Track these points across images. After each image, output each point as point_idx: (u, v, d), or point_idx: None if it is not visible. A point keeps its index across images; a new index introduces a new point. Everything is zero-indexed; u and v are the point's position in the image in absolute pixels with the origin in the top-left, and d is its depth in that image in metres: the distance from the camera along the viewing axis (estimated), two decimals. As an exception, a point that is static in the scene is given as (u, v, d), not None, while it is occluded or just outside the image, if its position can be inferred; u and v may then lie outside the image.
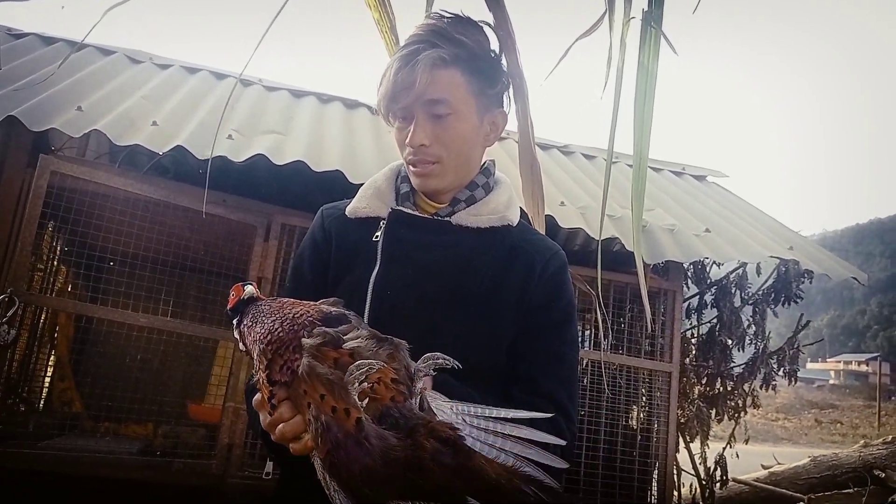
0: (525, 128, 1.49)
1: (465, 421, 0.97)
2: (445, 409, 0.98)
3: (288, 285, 1.42)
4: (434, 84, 1.24)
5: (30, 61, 3.67)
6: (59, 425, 3.23)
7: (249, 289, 1.16)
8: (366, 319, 1.23)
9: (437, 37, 1.27)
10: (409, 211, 1.36)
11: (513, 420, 0.98)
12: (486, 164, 1.43)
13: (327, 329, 0.99)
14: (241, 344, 1.13)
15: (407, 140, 1.29)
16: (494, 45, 1.37)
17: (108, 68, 3.95)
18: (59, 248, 3.81)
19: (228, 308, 1.17)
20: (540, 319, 1.30)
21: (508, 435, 0.95)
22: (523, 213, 1.47)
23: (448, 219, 1.34)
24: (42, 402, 4.05)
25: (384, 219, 1.35)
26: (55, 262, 3.84)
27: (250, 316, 1.11)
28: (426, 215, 1.36)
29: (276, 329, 1.02)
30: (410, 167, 1.33)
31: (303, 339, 0.98)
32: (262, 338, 1.03)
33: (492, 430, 0.96)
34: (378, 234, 1.34)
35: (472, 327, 1.22)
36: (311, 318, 1.03)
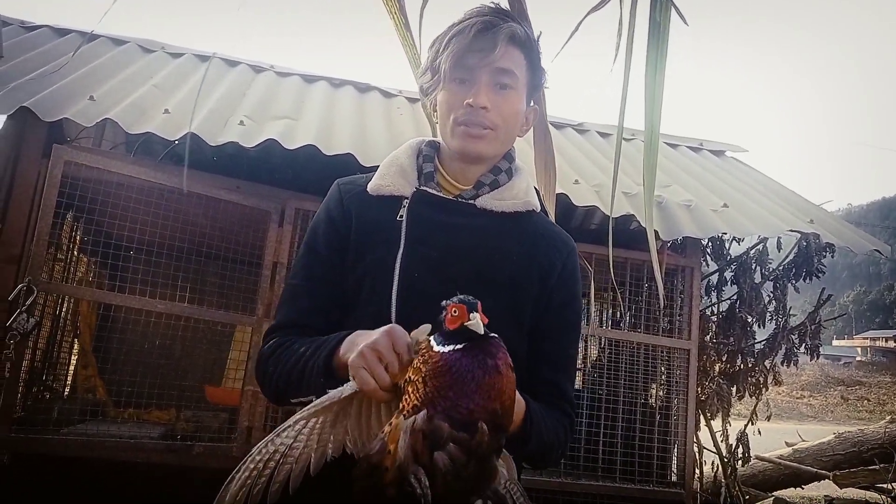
0: (538, 98, 1.48)
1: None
2: None
3: (300, 261, 1.39)
4: (508, 55, 1.28)
5: (42, 53, 3.69)
6: (83, 412, 3.29)
7: (476, 322, 0.99)
8: (392, 300, 1.24)
9: (509, 17, 1.31)
10: (434, 192, 1.34)
11: None
12: (509, 151, 1.43)
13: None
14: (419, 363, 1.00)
15: (471, 99, 1.28)
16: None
17: (121, 58, 3.97)
18: (78, 237, 3.86)
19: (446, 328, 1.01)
20: (561, 320, 1.36)
21: None
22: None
23: (472, 202, 1.34)
24: (67, 390, 4.12)
25: (407, 198, 1.33)
26: (75, 252, 3.89)
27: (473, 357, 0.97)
28: (450, 196, 1.35)
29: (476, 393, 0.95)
30: (461, 126, 1.30)
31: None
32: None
33: None
34: (401, 213, 1.31)
35: (497, 313, 1.15)
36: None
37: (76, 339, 4.13)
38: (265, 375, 1.27)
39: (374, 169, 1.42)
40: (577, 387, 3.84)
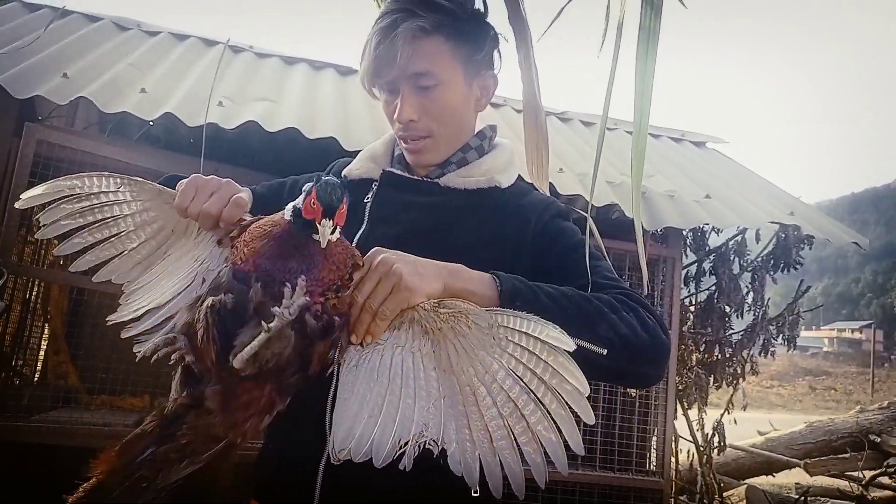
0: (529, 77, 1.43)
1: (505, 338, 0.92)
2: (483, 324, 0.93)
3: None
4: (416, 56, 1.19)
5: (13, 28, 3.56)
6: (55, 398, 3.21)
7: (323, 231, 0.94)
8: None
9: (416, 4, 1.21)
10: (399, 172, 1.34)
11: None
12: (482, 128, 1.39)
13: None
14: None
15: (395, 116, 1.25)
16: (479, 2, 1.31)
17: (95, 35, 3.85)
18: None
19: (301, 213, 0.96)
20: (555, 253, 1.24)
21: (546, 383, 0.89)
22: (523, 178, 1.43)
23: (437, 180, 1.31)
24: (37, 376, 4.02)
25: (377, 180, 1.35)
26: (46, 234, 3.77)
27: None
28: (417, 177, 1.33)
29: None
30: (402, 143, 1.30)
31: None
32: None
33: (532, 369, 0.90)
34: (369, 195, 1.33)
35: None
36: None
37: (47, 324, 4.02)
38: None
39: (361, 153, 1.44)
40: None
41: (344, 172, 1.40)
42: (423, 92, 1.23)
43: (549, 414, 0.88)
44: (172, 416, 0.98)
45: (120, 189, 1.16)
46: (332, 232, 0.93)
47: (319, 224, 0.92)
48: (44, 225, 1.16)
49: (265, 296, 0.92)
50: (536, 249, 1.25)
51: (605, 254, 1.42)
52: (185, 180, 1.13)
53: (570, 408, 0.88)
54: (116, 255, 1.18)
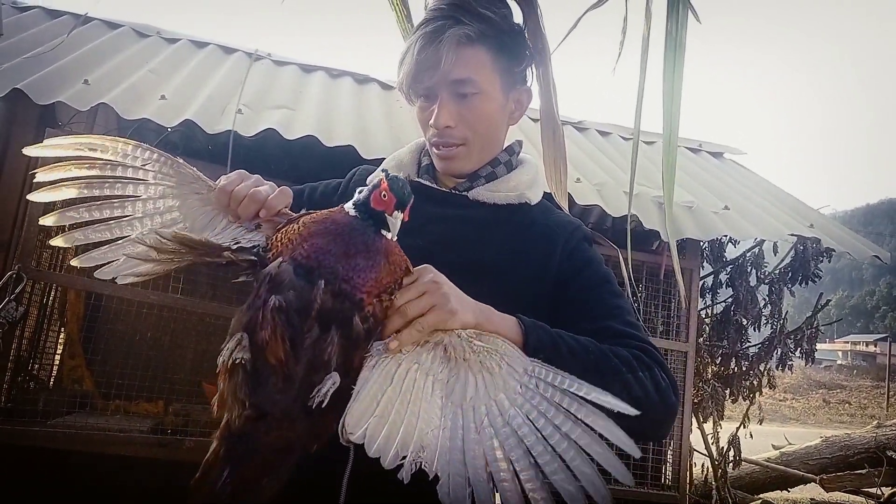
0: (547, 92, 1.43)
1: (535, 388, 0.91)
2: (517, 369, 0.93)
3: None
4: (459, 63, 1.20)
5: (35, 34, 3.60)
6: (70, 403, 3.21)
7: (393, 223, 0.96)
8: None
9: (462, 12, 1.21)
10: (428, 183, 1.33)
11: (593, 403, 0.89)
12: (511, 144, 1.39)
13: None
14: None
15: (431, 121, 1.25)
16: (518, 17, 1.31)
17: (115, 42, 3.88)
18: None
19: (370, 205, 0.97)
20: (578, 285, 1.24)
21: (580, 421, 0.89)
22: (548, 194, 1.42)
23: (465, 193, 1.31)
24: (52, 380, 4.03)
25: None
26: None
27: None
28: (445, 188, 1.33)
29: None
30: (434, 149, 1.30)
31: None
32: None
33: (563, 410, 0.89)
34: None
35: (484, 299, 1.17)
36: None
37: (63, 329, 4.04)
38: None
39: (378, 161, 1.45)
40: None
41: (368, 181, 1.36)
42: (462, 99, 1.23)
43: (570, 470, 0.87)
44: (239, 434, 0.94)
45: (146, 166, 1.10)
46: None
47: (391, 216, 0.92)
48: (38, 183, 1.07)
49: (326, 294, 0.91)
50: (562, 276, 1.25)
51: (628, 268, 1.42)
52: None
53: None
54: (106, 243, 1.09)
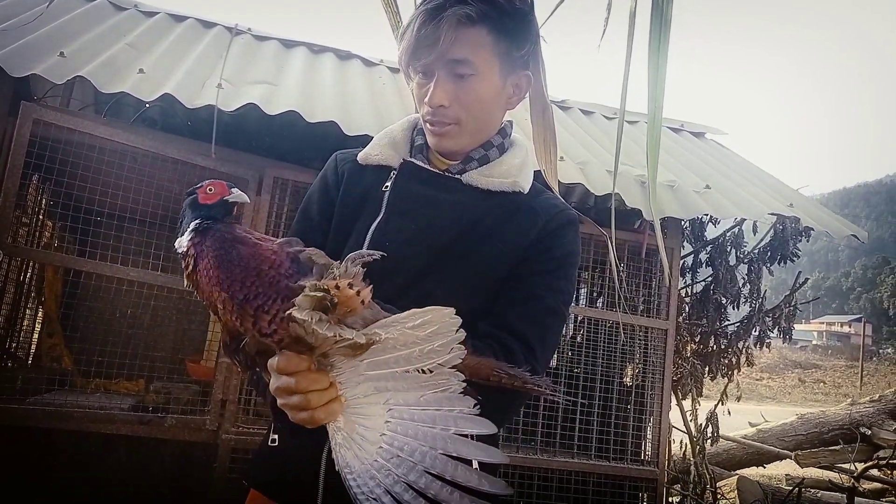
0: (537, 72, 1.42)
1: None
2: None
3: (295, 227, 1.38)
4: (458, 43, 1.18)
5: (8, 6, 3.51)
6: (49, 381, 3.18)
7: (238, 193, 0.98)
8: None
9: None
10: (421, 164, 1.32)
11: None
12: (503, 125, 1.37)
13: (316, 282, 0.90)
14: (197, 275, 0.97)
15: (426, 99, 1.24)
16: None
17: (92, 14, 3.80)
18: (44, 200, 3.71)
19: (200, 203, 0.99)
20: (528, 266, 1.26)
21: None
22: (536, 173, 1.42)
23: (458, 176, 1.30)
24: (31, 359, 3.99)
25: (395, 169, 1.32)
26: (41, 216, 3.74)
27: (214, 249, 0.95)
28: (437, 170, 1.32)
29: (255, 278, 0.93)
30: (427, 125, 1.29)
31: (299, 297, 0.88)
32: (238, 288, 0.93)
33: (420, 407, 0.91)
34: (388, 184, 1.31)
35: (463, 276, 1.21)
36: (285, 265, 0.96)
37: (41, 306, 3.99)
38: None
39: (361, 138, 1.42)
40: (552, 365, 3.84)
41: (360, 157, 1.36)
42: (458, 80, 1.22)
43: None
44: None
45: None
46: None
47: (230, 193, 1.00)
48: None
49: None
50: (529, 252, 1.27)
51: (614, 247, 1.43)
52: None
53: None
54: None
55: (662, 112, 1.29)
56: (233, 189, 0.98)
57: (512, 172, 1.32)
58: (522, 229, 1.28)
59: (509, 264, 1.25)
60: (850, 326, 56.35)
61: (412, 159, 1.33)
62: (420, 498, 0.87)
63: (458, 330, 0.89)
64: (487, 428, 0.91)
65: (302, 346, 0.89)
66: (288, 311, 0.86)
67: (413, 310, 0.89)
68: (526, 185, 1.34)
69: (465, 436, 0.90)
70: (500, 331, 1.18)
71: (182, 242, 0.98)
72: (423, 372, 0.90)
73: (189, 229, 0.97)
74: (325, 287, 0.86)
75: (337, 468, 0.92)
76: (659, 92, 1.27)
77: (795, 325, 4.92)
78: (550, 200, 1.35)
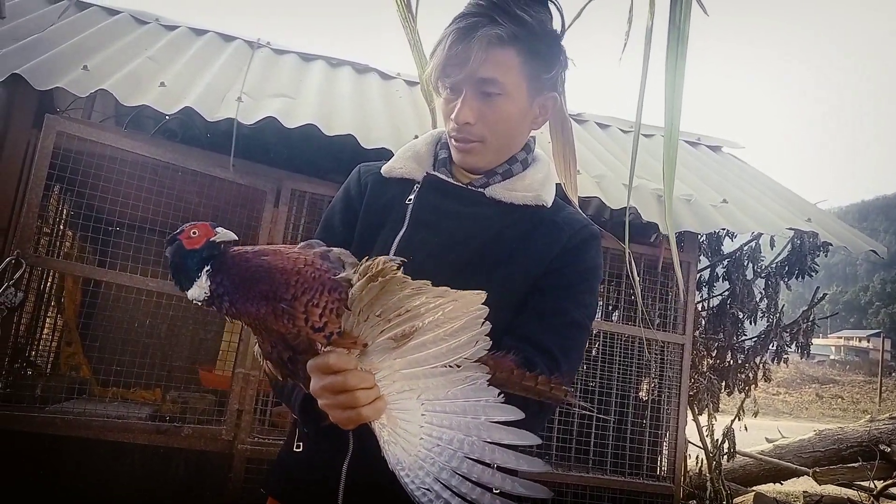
0: (561, 91, 1.44)
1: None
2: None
3: (317, 237, 1.39)
4: (487, 63, 1.19)
5: (33, 19, 3.58)
6: (68, 389, 3.21)
7: (224, 232, 0.96)
8: None
9: (498, 11, 1.21)
10: (444, 177, 1.33)
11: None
12: (527, 141, 1.38)
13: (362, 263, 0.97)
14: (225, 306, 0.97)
15: (452, 115, 1.25)
16: (557, 23, 1.30)
17: (114, 28, 3.86)
18: (65, 211, 3.76)
19: (187, 250, 0.97)
20: (551, 280, 1.27)
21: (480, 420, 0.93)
22: (558, 188, 1.43)
23: (482, 190, 1.31)
24: (49, 367, 4.04)
25: (419, 182, 1.34)
26: (62, 226, 3.79)
27: (231, 274, 0.95)
28: (460, 184, 1.33)
29: (297, 276, 0.94)
30: (452, 141, 1.30)
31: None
32: (284, 290, 0.93)
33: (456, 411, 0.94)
34: (411, 196, 1.32)
35: (494, 300, 1.20)
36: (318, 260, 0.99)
37: (60, 315, 4.04)
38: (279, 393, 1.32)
39: (378, 151, 1.43)
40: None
41: (383, 170, 1.37)
42: (486, 98, 1.23)
43: None
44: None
45: None
46: None
47: (214, 234, 0.97)
48: None
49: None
50: (552, 266, 1.27)
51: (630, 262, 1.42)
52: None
53: None
54: None
55: (679, 126, 1.30)
56: (217, 229, 0.96)
57: (535, 187, 1.33)
58: (546, 243, 1.28)
59: (533, 278, 1.25)
60: (868, 341, 55.58)
61: (436, 172, 1.34)
62: (466, 482, 0.90)
63: (483, 322, 0.95)
64: (514, 414, 0.94)
65: (348, 341, 0.92)
66: (350, 291, 0.92)
67: (443, 288, 0.95)
68: (549, 199, 1.34)
69: (495, 423, 0.93)
70: (525, 344, 1.18)
71: (199, 292, 0.97)
72: (451, 367, 0.94)
73: (201, 279, 0.96)
74: (382, 266, 0.91)
75: (391, 467, 0.92)
76: (676, 107, 1.28)
77: (813, 340, 4.86)
78: (573, 216, 1.36)
